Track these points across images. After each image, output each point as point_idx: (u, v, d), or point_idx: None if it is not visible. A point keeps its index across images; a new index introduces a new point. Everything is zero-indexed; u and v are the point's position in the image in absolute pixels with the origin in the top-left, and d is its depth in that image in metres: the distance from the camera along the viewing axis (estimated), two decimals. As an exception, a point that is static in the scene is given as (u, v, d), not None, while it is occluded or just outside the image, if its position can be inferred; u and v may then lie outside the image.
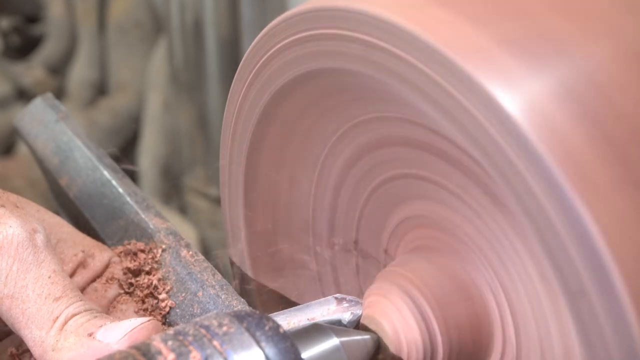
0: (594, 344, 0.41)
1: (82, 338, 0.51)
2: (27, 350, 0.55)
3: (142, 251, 0.61)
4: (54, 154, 0.70)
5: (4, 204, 0.55)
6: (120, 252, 0.62)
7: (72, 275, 0.59)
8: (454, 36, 0.44)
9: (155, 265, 0.60)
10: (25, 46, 2.80)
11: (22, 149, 2.43)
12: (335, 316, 0.54)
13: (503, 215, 0.50)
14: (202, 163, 2.41)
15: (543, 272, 0.48)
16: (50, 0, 2.77)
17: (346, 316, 0.54)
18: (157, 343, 0.47)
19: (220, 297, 0.57)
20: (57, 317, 0.52)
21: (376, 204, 0.62)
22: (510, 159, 0.42)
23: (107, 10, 2.67)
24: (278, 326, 0.48)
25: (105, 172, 0.67)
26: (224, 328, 0.48)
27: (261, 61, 0.57)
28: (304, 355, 0.50)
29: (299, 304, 0.57)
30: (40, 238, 0.54)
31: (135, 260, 0.61)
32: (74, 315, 0.52)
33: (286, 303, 0.66)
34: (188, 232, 2.25)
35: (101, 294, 0.60)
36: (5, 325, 0.53)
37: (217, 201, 2.24)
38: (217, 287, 0.58)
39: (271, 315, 0.53)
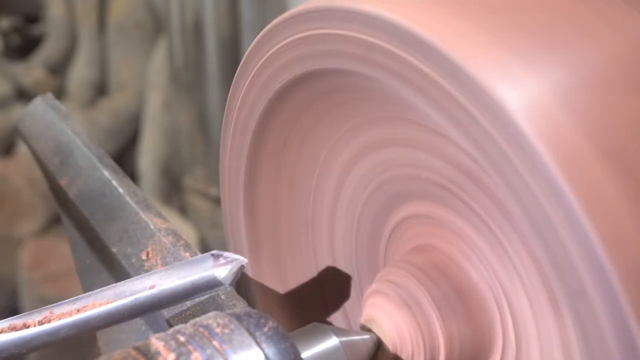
0: (594, 344, 0.41)
1: None
2: None
3: None
4: (54, 154, 0.70)
5: None
6: None
7: None
8: (454, 36, 0.44)
9: None
10: (25, 46, 2.81)
11: (22, 149, 2.43)
12: (211, 272, 0.53)
13: (503, 215, 0.50)
14: (202, 163, 2.41)
15: (543, 272, 0.48)
16: (50, 0, 2.77)
17: (222, 272, 0.53)
18: (156, 343, 0.47)
19: (220, 297, 0.57)
20: None
21: (376, 203, 0.62)
22: (510, 159, 0.42)
23: (107, 10, 2.67)
24: (278, 326, 0.48)
25: (105, 172, 0.67)
26: (224, 328, 0.48)
27: (261, 61, 0.57)
28: (303, 355, 0.50)
29: (299, 304, 0.57)
30: None
31: None
32: None
33: (286, 303, 0.66)
34: (188, 232, 2.25)
35: None
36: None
37: (217, 201, 2.25)
38: (217, 287, 0.58)
39: (146, 274, 0.53)
